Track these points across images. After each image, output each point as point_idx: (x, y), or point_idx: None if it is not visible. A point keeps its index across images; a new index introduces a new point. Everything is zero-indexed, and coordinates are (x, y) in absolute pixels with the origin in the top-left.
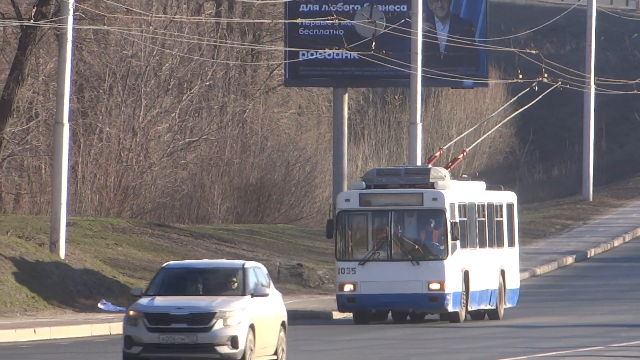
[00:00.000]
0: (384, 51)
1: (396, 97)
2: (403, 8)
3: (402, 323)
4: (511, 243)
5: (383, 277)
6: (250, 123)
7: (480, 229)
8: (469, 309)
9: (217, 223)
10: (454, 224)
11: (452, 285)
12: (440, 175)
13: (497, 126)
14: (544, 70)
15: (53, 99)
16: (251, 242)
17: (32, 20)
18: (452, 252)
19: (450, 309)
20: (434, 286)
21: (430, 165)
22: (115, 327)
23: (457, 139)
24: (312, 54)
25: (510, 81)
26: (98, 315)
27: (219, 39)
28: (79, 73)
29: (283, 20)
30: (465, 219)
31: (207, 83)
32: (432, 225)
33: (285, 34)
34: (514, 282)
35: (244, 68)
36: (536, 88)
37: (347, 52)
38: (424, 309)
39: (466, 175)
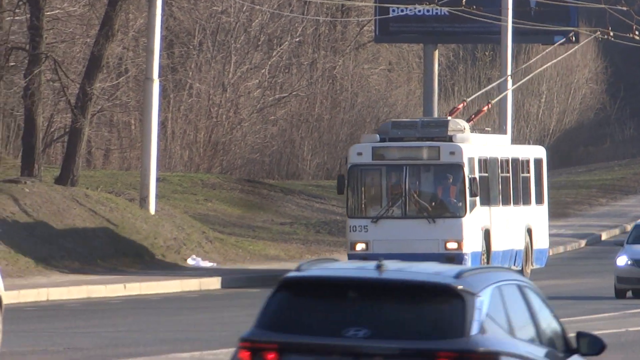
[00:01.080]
0: (474, 6)
1: (486, 53)
2: None
3: None
4: (539, 200)
5: (397, 235)
6: (340, 79)
7: (504, 185)
8: None
9: (306, 179)
10: (472, 180)
11: (471, 245)
12: (460, 127)
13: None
14: (634, 27)
15: (143, 54)
16: (340, 198)
17: None
18: (471, 209)
19: None
20: (451, 245)
21: (449, 117)
22: (205, 283)
23: (482, 92)
24: (402, 10)
25: (601, 38)
26: (188, 271)
27: None
28: (169, 29)
29: None
30: (486, 174)
31: (297, 39)
32: (449, 180)
33: None
34: (542, 241)
35: (334, 24)
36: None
37: (438, 7)
38: None
39: (489, 128)
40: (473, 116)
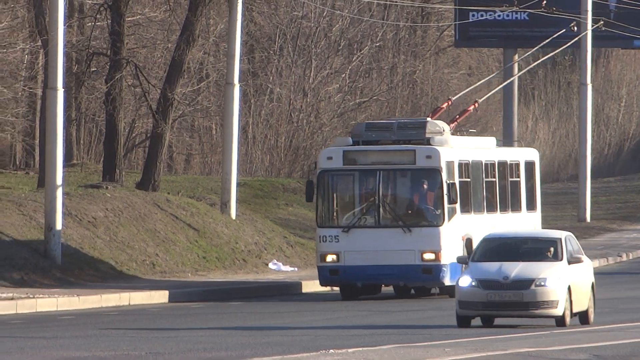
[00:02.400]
0: (554, 8)
1: (566, 57)
2: None
3: (404, 298)
4: (531, 207)
5: (370, 246)
6: (420, 84)
7: (489, 190)
8: None
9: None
10: (451, 185)
11: (450, 255)
12: (438, 129)
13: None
14: None
15: (223, 59)
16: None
17: None
18: (450, 217)
19: (447, 282)
20: (428, 256)
21: (428, 119)
22: (285, 287)
23: (466, 91)
24: (481, 15)
25: None
26: (269, 276)
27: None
28: (250, 34)
29: None
30: (468, 179)
31: (377, 44)
32: (426, 186)
33: None
34: None
35: (414, 29)
36: None
37: (518, 11)
38: (416, 282)
39: (474, 130)
40: (457, 117)
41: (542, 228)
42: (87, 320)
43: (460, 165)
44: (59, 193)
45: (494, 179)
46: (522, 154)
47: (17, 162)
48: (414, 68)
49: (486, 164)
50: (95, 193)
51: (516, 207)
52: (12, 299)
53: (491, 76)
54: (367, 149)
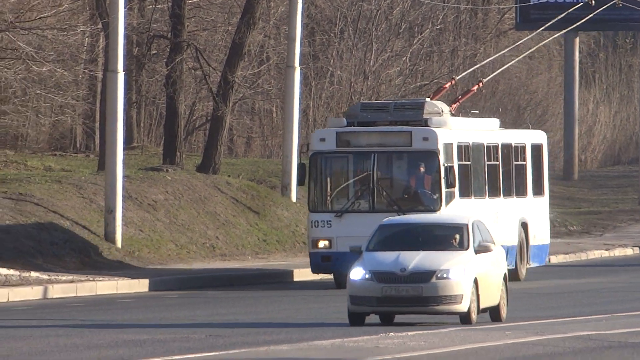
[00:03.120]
0: None
1: (627, 40)
2: None
3: None
4: (538, 191)
5: (364, 232)
6: (481, 67)
7: (492, 174)
8: None
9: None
10: (449, 168)
11: None
12: (437, 110)
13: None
14: None
15: (284, 42)
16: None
17: None
18: (448, 202)
19: None
20: None
21: (427, 99)
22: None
23: (471, 70)
24: None
25: None
26: None
27: None
28: (310, 16)
29: None
30: (468, 162)
31: (438, 27)
32: (422, 169)
33: None
34: (541, 237)
35: (475, 12)
36: None
37: None
38: None
39: (477, 111)
40: (460, 97)
41: (601, 210)
42: (147, 303)
43: (459, 147)
44: (119, 176)
45: (496, 162)
46: (528, 137)
47: (78, 145)
48: (474, 51)
49: (488, 147)
50: (156, 176)
51: (521, 192)
52: (72, 281)
53: (500, 53)
54: (361, 130)
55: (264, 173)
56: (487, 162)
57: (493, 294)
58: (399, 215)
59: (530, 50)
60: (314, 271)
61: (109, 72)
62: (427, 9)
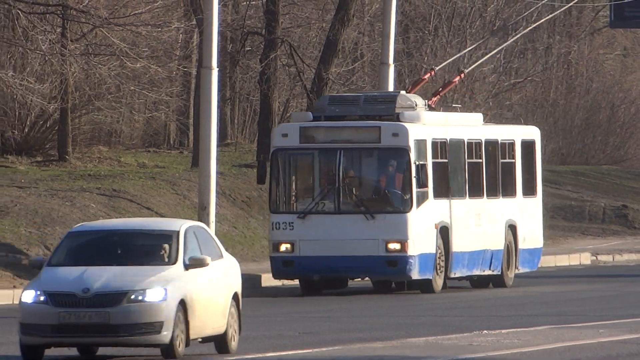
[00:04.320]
0: None
1: None
2: None
3: (385, 293)
4: (529, 191)
5: (329, 234)
6: (575, 64)
7: (474, 173)
8: (452, 275)
9: (543, 164)
10: (421, 167)
11: (419, 246)
12: (410, 104)
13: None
14: None
15: (378, 39)
16: (576, 184)
17: None
18: (420, 203)
19: (415, 275)
20: (393, 246)
21: (401, 92)
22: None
23: (452, 60)
24: None
25: None
26: None
27: None
28: (404, 14)
29: None
30: (445, 160)
31: (533, 24)
32: (392, 168)
33: None
34: (532, 240)
35: (569, 9)
36: None
37: None
38: (380, 275)
39: (459, 105)
40: (440, 89)
41: None
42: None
43: (434, 144)
44: (213, 172)
45: (479, 160)
46: (518, 133)
47: (171, 142)
48: (568, 49)
49: (469, 143)
50: (249, 172)
51: (510, 192)
52: None
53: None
54: (326, 125)
55: None
56: (467, 160)
57: (214, 321)
58: (367, 217)
59: (515, 37)
60: (276, 277)
61: (203, 69)
62: (522, 6)
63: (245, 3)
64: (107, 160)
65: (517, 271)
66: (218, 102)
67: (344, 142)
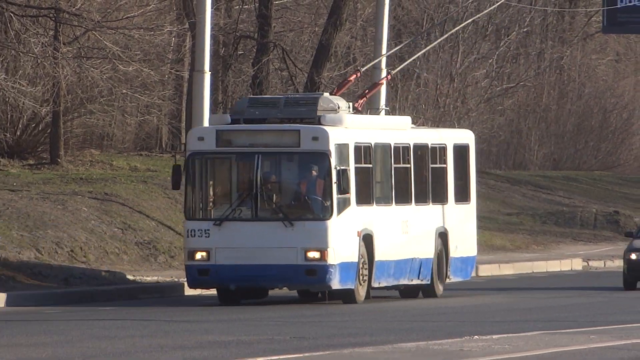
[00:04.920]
0: None
1: None
2: None
3: (310, 302)
4: (462, 198)
5: (246, 242)
6: (567, 70)
7: (401, 179)
8: (377, 284)
9: (533, 169)
10: (342, 172)
11: (340, 254)
12: (333, 106)
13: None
14: None
15: (371, 44)
16: (567, 189)
17: None
18: (341, 210)
19: (335, 285)
20: (313, 255)
21: (325, 94)
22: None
23: (391, 52)
24: (630, 0)
25: None
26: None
27: None
28: (397, 18)
29: None
30: (369, 165)
31: (525, 29)
32: (312, 173)
33: None
34: (464, 249)
35: (562, 14)
36: None
37: None
38: (299, 284)
39: (386, 108)
40: (367, 91)
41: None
42: (234, 308)
43: (357, 148)
44: None
45: (407, 165)
46: (450, 136)
47: (163, 145)
48: (561, 54)
49: (397, 147)
50: None
51: (440, 198)
52: (157, 282)
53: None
54: (244, 128)
55: None
56: (394, 165)
57: None
58: (285, 224)
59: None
60: (191, 286)
61: (196, 72)
62: (514, 11)
63: (237, 7)
64: (99, 164)
65: (448, 280)
66: (210, 105)
67: (262, 146)
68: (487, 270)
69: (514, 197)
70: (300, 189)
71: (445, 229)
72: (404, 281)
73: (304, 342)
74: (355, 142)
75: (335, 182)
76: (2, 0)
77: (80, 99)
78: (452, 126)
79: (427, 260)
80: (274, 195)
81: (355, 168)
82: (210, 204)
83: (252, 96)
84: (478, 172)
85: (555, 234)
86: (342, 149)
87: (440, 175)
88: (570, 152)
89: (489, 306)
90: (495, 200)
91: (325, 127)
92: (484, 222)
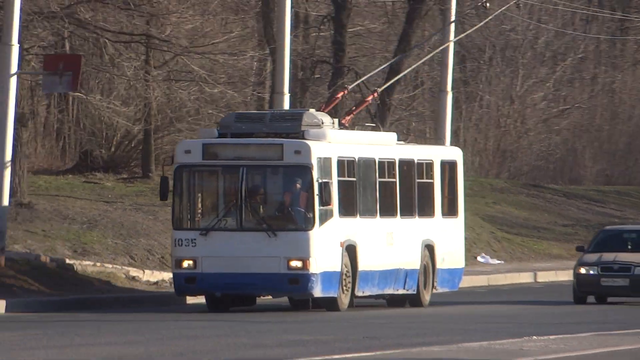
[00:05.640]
0: None
1: None
2: None
3: (296, 310)
4: (450, 212)
5: (231, 251)
6: (619, 93)
7: (386, 192)
8: (361, 293)
9: (587, 184)
10: (324, 185)
11: (322, 264)
12: (316, 122)
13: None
14: None
15: (437, 68)
16: (619, 202)
17: None
18: (323, 221)
19: (317, 293)
20: (295, 264)
21: (311, 110)
22: (492, 279)
23: (367, 77)
24: None
25: None
26: (477, 267)
27: (590, 14)
28: (461, 44)
29: None
30: (353, 178)
31: (580, 55)
32: (295, 185)
33: None
34: (452, 260)
35: (614, 42)
36: None
37: None
38: (282, 292)
39: (373, 124)
40: (354, 108)
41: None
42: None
43: (340, 162)
44: None
45: (393, 180)
46: (437, 153)
47: None
48: (613, 78)
49: (381, 162)
50: None
51: (427, 212)
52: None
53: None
54: (229, 142)
55: None
56: (379, 179)
57: None
58: (269, 234)
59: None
60: (178, 293)
61: (276, 94)
62: (570, 38)
63: (314, 34)
64: None
65: (435, 291)
66: None
67: (247, 159)
68: (545, 277)
69: (570, 210)
70: (284, 200)
71: (432, 242)
72: (389, 291)
73: (375, 342)
74: (339, 156)
75: (317, 194)
76: (98, 27)
77: (170, 118)
78: (512, 144)
79: (413, 271)
80: (259, 206)
81: (339, 181)
82: (197, 214)
83: (239, 112)
84: (535, 186)
85: None
86: (324, 162)
87: (427, 190)
88: (621, 168)
89: (546, 309)
90: (552, 213)
91: (308, 142)
92: (542, 232)
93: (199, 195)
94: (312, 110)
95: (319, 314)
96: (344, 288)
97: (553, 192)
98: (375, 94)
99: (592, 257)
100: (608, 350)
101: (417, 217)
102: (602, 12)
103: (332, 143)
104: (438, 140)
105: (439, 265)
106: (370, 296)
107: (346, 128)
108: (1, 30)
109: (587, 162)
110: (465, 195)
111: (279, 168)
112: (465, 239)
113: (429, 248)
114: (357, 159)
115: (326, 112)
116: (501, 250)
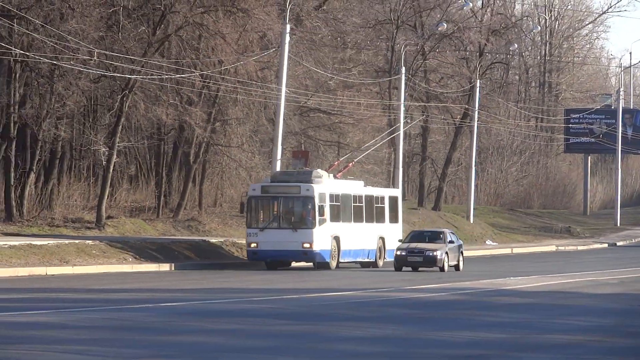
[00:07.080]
0: None
1: None
2: None
3: (316, 270)
4: (393, 220)
5: (274, 238)
6: (550, 168)
7: (356, 210)
8: (342, 260)
9: (535, 209)
10: (321, 207)
11: (320, 245)
12: (319, 175)
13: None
14: None
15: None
16: (549, 216)
17: None
18: (320, 223)
19: (318, 260)
20: (306, 245)
21: (318, 170)
22: (492, 252)
23: (346, 157)
24: None
25: None
26: (485, 247)
27: (534, 134)
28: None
29: None
30: (338, 203)
31: (532, 150)
32: (306, 206)
33: None
34: (393, 245)
35: (548, 143)
36: None
37: None
38: (300, 260)
39: (351, 177)
40: (342, 169)
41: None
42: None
43: (331, 195)
44: None
45: (361, 204)
46: (386, 192)
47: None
48: (547, 162)
49: (355, 196)
50: (413, 213)
51: (380, 220)
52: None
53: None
54: (274, 184)
55: (458, 209)
56: (353, 204)
57: None
58: (293, 230)
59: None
60: (250, 260)
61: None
62: (528, 141)
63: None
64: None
65: (384, 260)
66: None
67: (282, 193)
68: (517, 251)
69: (528, 220)
70: (301, 214)
71: (383, 235)
72: (360, 259)
73: (355, 285)
74: (330, 192)
75: (317, 210)
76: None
77: None
78: (502, 190)
79: (372, 250)
80: (288, 216)
81: (330, 205)
82: (258, 220)
83: (280, 170)
84: (513, 209)
85: (547, 237)
86: (322, 195)
87: (380, 209)
88: (549, 202)
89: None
90: (520, 222)
91: (313, 185)
92: (515, 230)
93: (260, 210)
94: (317, 170)
95: (320, 271)
96: (333, 257)
97: (521, 212)
98: (352, 163)
99: (404, 245)
100: (547, 283)
101: (375, 222)
102: (541, 133)
103: (327, 185)
104: (391, 185)
105: (388, 247)
106: (349, 262)
107: (337, 178)
108: (272, 140)
109: (535, 199)
110: (475, 214)
111: (299, 197)
112: (478, 233)
113: (382, 238)
114: (341, 194)
115: (330, 170)
116: (498, 239)
